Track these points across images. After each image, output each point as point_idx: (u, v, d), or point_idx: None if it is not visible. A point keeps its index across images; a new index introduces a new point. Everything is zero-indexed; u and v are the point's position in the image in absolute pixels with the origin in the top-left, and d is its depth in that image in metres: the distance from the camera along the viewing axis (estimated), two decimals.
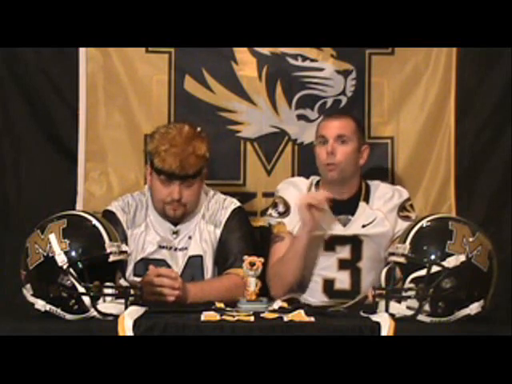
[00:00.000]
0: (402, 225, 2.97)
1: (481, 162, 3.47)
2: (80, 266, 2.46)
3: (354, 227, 3.06)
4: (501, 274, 2.57)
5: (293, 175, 3.41)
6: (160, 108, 3.42)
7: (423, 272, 2.46)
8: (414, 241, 2.53)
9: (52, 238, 2.48)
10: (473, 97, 3.46)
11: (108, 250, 2.50)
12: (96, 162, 3.44)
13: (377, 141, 3.38)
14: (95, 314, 2.45)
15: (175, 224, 3.04)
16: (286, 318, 2.42)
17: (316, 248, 3.04)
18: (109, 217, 2.95)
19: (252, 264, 2.67)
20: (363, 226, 3.06)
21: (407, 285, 2.50)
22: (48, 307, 2.47)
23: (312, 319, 2.41)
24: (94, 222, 2.55)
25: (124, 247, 2.55)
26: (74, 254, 2.46)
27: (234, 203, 3.10)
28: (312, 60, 3.45)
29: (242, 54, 3.45)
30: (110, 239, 2.52)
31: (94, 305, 2.45)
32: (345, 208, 3.08)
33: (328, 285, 3.08)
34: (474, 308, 2.48)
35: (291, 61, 3.45)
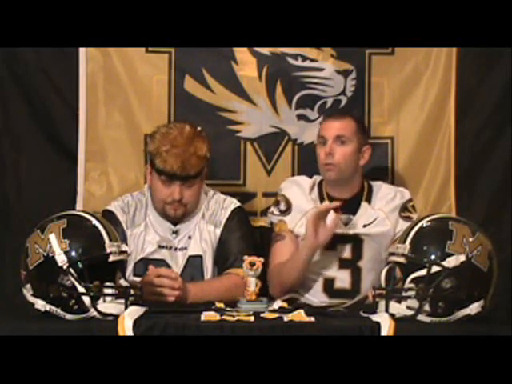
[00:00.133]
0: (403, 225, 2.97)
1: (481, 162, 3.47)
2: (80, 266, 2.46)
3: (355, 227, 3.07)
4: (501, 274, 2.57)
5: (293, 175, 3.41)
6: (160, 108, 3.42)
7: (423, 272, 2.47)
8: (414, 241, 2.53)
9: (52, 238, 2.48)
10: (473, 97, 3.46)
11: (108, 250, 2.50)
12: (96, 162, 3.44)
13: (377, 141, 3.38)
14: (95, 313, 2.45)
15: (175, 224, 3.04)
16: (285, 318, 2.42)
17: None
18: (108, 217, 2.95)
19: (252, 264, 2.67)
20: (364, 226, 3.07)
21: (407, 285, 2.50)
22: (48, 307, 2.47)
23: (312, 319, 2.41)
24: (94, 222, 2.55)
25: (124, 247, 2.55)
26: (73, 254, 2.46)
27: (233, 203, 3.10)
28: (312, 60, 3.45)
29: (241, 53, 3.45)
30: (110, 239, 2.52)
31: (94, 305, 2.45)
32: (347, 208, 3.08)
33: (328, 284, 3.08)
34: (474, 308, 2.48)
35: (291, 61, 3.45)
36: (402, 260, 2.54)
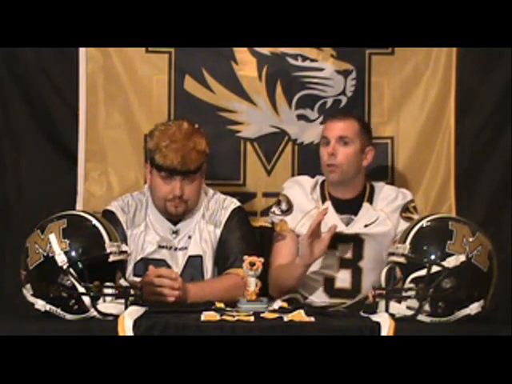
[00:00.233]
0: (404, 226, 2.96)
1: (481, 162, 3.47)
2: (80, 266, 2.46)
3: (356, 227, 3.07)
4: (501, 274, 2.57)
5: (293, 175, 3.41)
6: (160, 108, 3.42)
7: (423, 272, 2.46)
8: (414, 241, 2.53)
9: (52, 238, 2.48)
10: (473, 97, 3.46)
11: (108, 250, 2.50)
12: (96, 162, 3.44)
13: (377, 141, 3.37)
14: (95, 313, 2.45)
15: (175, 223, 3.04)
16: (285, 318, 2.42)
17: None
18: (108, 217, 2.95)
19: (252, 264, 2.67)
20: (365, 226, 3.07)
21: (407, 285, 2.50)
22: (48, 307, 2.47)
23: (312, 319, 2.41)
24: (94, 222, 2.55)
25: (124, 247, 2.55)
26: (73, 254, 2.46)
27: (233, 203, 3.10)
28: (312, 60, 3.45)
29: (241, 53, 3.45)
30: (110, 239, 2.52)
31: (94, 305, 2.45)
32: (348, 208, 3.08)
33: (329, 283, 3.08)
34: (474, 308, 2.48)
35: (291, 61, 3.45)
36: (401, 260, 2.54)
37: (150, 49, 3.43)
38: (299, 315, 2.45)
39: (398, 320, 2.39)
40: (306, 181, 3.17)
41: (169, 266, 2.98)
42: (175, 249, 3.03)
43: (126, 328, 2.31)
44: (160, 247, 3.02)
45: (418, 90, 3.49)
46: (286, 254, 3.06)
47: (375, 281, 2.85)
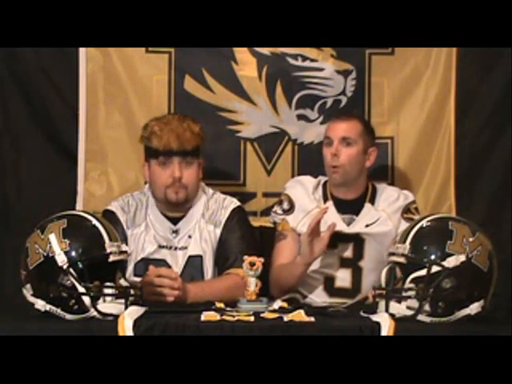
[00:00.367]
0: (406, 226, 2.97)
1: (481, 162, 3.47)
2: (80, 266, 2.46)
3: (357, 226, 3.07)
4: (501, 274, 2.57)
5: (293, 175, 3.42)
6: (160, 108, 3.42)
7: (423, 272, 2.46)
8: (414, 241, 2.53)
9: (52, 238, 2.48)
10: (473, 97, 3.47)
11: (108, 250, 2.50)
12: (96, 162, 3.44)
13: (377, 141, 3.37)
14: (95, 313, 2.45)
15: (175, 223, 3.04)
16: (285, 318, 2.42)
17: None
18: (109, 217, 2.95)
19: (252, 264, 2.67)
20: (367, 226, 3.07)
21: (407, 285, 2.50)
22: (48, 307, 2.47)
23: (312, 319, 2.41)
24: (94, 222, 2.55)
25: (124, 247, 2.55)
26: (74, 254, 2.46)
27: (233, 203, 3.10)
28: (312, 60, 3.45)
29: (242, 53, 3.45)
30: (110, 239, 2.52)
31: (94, 305, 2.45)
32: (350, 208, 3.09)
33: (329, 282, 3.09)
34: (474, 308, 2.48)
35: (291, 61, 3.45)
36: (402, 260, 2.54)
37: (150, 49, 3.43)
38: (299, 315, 2.45)
39: (398, 320, 2.39)
40: (308, 181, 3.18)
41: (169, 266, 2.98)
42: (175, 248, 3.03)
43: (125, 328, 2.30)
44: (160, 247, 3.02)
45: (417, 90, 3.49)
46: (288, 253, 3.07)
47: (375, 281, 2.85)
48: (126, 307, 2.45)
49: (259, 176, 3.47)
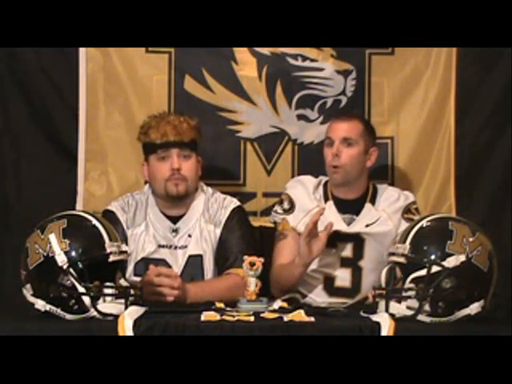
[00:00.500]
0: (406, 226, 2.97)
1: (481, 162, 3.47)
2: (80, 265, 2.46)
3: (357, 226, 3.08)
4: (501, 274, 2.57)
5: (293, 175, 3.42)
6: (160, 108, 3.40)
7: (423, 272, 2.46)
8: (414, 241, 2.53)
9: (52, 238, 2.48)
10: (473, 97, 3.47)
11: (108, 250, 2.50)
12: (96, 162, 3.44)
13: (377, 141, 3.38)
14: (95, 313, 2.45)
15: (175, 222, 3.04)
16: (285, 318, 2.42)
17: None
18: (109, 216, 2.95)
19: (252, 264, 2.67)
20: (367, 226, 3.07)
21: (407, 285, 2.50)
22: (48, 307, 2.47)
23: (312, 319, 2.41)
24: (94, 222, 2.55)
25: (124, 247, 2.55)
26: (74, 254, 2.46)
27: (233, 202, 3.10)
28: (312, 60, 3.45)
29: (242, 53, 3.45)
30: (110, 239, 2.52)
31: (94, 305, 2.45)
32: (350, 208, 3.09)
33: (328, 282, 3.09)
34: (474, 308, 2.48)
35: (291, 61, 3.45)
36: (402, 260, 2.54)
37: (150, 49, 3.43)
38: (299, 315, 2.45)
39: (398, 320, 2.39)
40: (309, 180, 3.18)
41: (169, 266, 2.98)
42: (175, 247, 3.03)
43: (126, 328, 2.31)
44: (160, 246, 3.02)
45: (417, 90, 3.49)
46: (288, 252, 3.07)
47: (375, 281, 2.85)
48: (126, 307, 2.45)
49: (259, 176, 3.47)
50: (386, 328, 2.31)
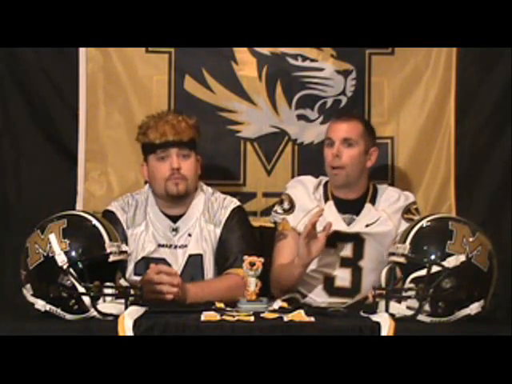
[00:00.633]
0: (406, 227, 2.97)
1: (481, 162, 3.47)
2: (80, 265, 2.46)
3: (357, 226, 3.08)
4: (501, 274, 2.57)
5: (293, 175, 3.42)
6: (160, 108, 3.39)
7: (423, 272, 2.46)
8: (414, 241, 2.53)
9: (52, 238, 2.48)
10: (473, 97, 3.47)
11: (108, 250, 2.50)
12: (96, 162, 3.44)
13: (377, 141, 3.38)
14: (95, 313, 2.45)
15: (175, 221, 3.04)
16: (285, 318, 2.42)
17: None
18: (109, 216, 2.95)
19: (252, 264, 2.67)
20: (367, 226, 3.07)
21: (407, 285, 2.50)
22: (48, 307, 2.47)
23: (312, 319, 2.41)
24: (94, 222, 2.55)
25: (124, 247, 2.55)
26: (74, 253, 2.46)
27: (233, 202, 3.10)
28: (312, 60, 3.46)
29: (242, 53, 3.45)
30: (110, 239, 2.52)
31: (94, 305, 2.45)
32: (351, 208, 3.09)
33: (328, 282, 3.09)
34: (474, 308, 2.48)
35: (291, 61, 3.45)
36: (402, 260, 2.54)
37: (150, 49, 3.43)
38: (299, 315, 2.45)
39: (398, 320, 2.39)
40: (309, 180, 3.18)
41: (169, 265, 2.97)
42: (175, 247, 3.03)
43: (125, 328, 2.31)
44: (160, 246, 3.02)
45: (417, 90, 3.49)
46: (288, 253, 3.07)
47: (375, 281, 2.85)
48: (126, 307, 2.45)
49: (259, 176, 3.47)
50: (386, 328, 2.31)
